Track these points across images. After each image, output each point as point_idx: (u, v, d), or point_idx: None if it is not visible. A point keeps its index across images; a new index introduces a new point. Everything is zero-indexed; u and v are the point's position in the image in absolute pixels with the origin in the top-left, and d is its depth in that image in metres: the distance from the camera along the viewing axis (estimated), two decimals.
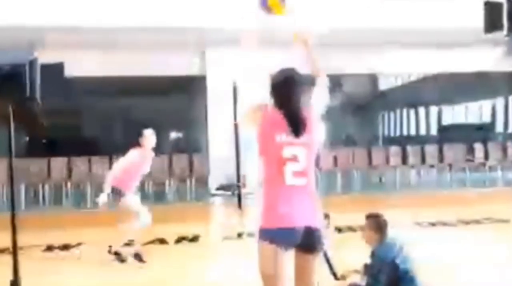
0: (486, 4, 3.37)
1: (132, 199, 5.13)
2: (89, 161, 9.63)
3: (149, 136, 5.10)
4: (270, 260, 2.49)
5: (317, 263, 2.65)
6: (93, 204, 9.13)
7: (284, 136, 2.49)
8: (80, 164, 9.64)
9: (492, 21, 3.28)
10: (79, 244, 6.15)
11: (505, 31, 3.30)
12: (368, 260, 3.60)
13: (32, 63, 2.71)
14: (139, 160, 5.03)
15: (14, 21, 7.85)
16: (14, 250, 3.12)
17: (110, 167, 9.54)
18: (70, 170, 9.55)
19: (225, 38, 9.56)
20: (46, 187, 9.41)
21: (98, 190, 9.26)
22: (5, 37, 6.46)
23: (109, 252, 5.13)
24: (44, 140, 13.22)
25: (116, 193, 4.99)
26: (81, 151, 10.53)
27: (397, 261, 3.43)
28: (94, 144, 13.12)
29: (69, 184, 9.46)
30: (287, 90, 2.55)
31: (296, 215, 2.49)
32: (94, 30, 8.58)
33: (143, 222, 5.01)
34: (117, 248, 5.08)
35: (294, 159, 2.49)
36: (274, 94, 2.60)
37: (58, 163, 9.58)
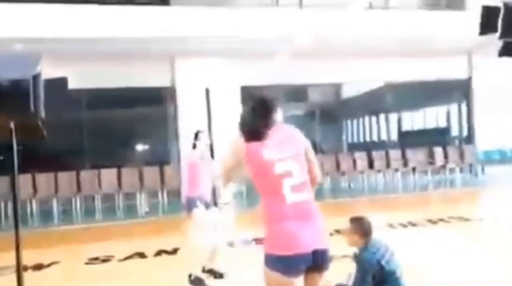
0: (483, 8, 3.67)
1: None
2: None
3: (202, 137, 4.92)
4: None
5: (323, 279, 2.48)
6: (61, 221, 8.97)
7: (269, 151, 2.37)
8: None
9: (487, 25, 3.53)
10: (52, 263, 5.97)
11: (498, 34, 3.58)
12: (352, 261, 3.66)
13: (35, 78, 2.63)
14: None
15: (14, 34, 7.75)
16: (18, 268, 2.98)
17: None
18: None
19: (193, 48, 9.63)
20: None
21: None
22: (8, 50, 6.30)
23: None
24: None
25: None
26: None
27: (383, 262, 3.46)
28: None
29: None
30: (253, 110, 2.49)
31: (302, 239, 2.30)
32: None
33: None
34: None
35: (289, 174, 2.37)
36: (245, 118, 2.50)
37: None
